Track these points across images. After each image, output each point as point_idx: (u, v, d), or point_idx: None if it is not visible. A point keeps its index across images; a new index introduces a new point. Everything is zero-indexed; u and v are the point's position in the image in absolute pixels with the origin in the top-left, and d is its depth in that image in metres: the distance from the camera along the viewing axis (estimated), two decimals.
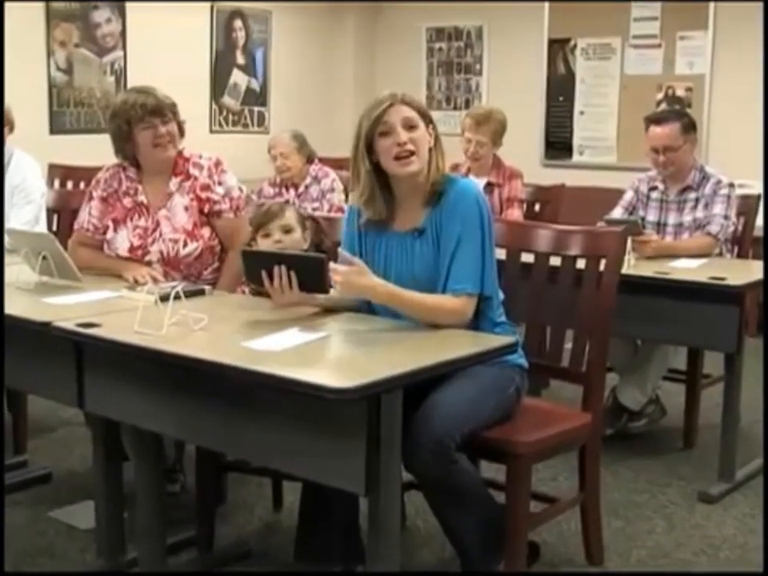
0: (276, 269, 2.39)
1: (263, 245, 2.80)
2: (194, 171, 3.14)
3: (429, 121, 2.48)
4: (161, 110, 3.05)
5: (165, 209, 3.11)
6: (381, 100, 2.43)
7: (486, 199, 2.50)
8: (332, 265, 2.33)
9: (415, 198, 2.49)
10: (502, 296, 2.56)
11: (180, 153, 3.16)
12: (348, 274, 2.32)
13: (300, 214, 2.92)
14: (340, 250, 2.45)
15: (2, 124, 3.62)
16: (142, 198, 3.14)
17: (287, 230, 2.82)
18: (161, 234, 3.10)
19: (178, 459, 3.27)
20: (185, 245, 3.09)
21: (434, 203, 2.46)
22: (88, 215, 3.19)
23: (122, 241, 3.12)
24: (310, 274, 2.36)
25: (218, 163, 3.17)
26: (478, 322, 2.46)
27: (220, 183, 3.14)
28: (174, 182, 3.12)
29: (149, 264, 3.08)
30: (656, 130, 3.88)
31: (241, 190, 3.23)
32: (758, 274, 3.33)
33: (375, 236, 2.55)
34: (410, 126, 2.42)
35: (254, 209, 3.40)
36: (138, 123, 3.03)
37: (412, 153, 2.41)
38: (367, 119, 2.42)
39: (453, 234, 2.42)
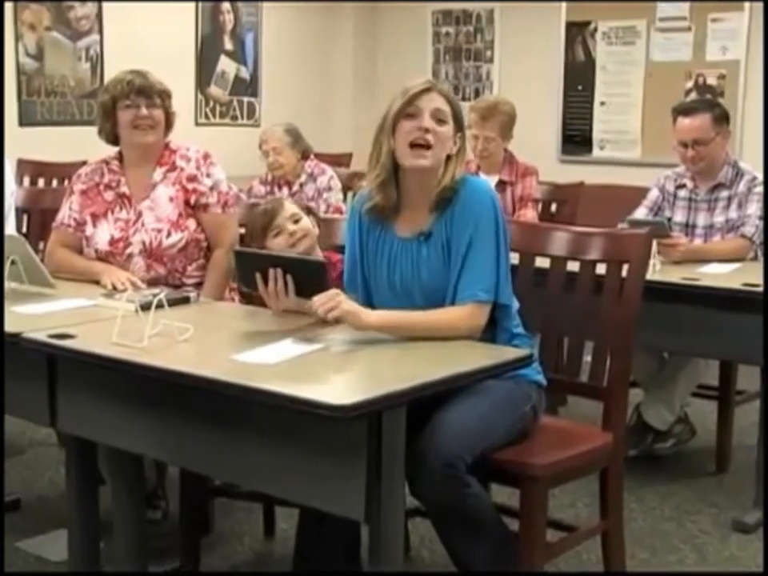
0: (271, 271, 2.41)
1: (279, 245, 2.83)
2: (180, 163, 3.21)
3: (459, 128, 2.51)
4: (147, 91, 3.14)
5: (148, 199, 3.18)
6: (419, 82, 2.49)
7: (499, 199, 2.52)
8: (315, 298, 2.32)
9: (421, 200, 2.51)
10: (517, 305, 2.58)
11: (167, 145, 3.24)
12: (334, 295, 2.32)
13: (299, 204, 2.98)
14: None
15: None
16: (124, 189, 3.20)
17: (296, 219, 2.87)
18: (143, 224, 3.15)
19: (160, 483, 3.28)
20: (168, 235, 3.14)
21: (443, 206, 2.49)
22: (69, 210, 3.25)
23: (102, 234, 3.17)
24: (309, 278, 2.37)
25: (206, 156, 3.26)
26: (494, 332, 2.49)
27: (208, 175, 3.21)
28: (158, 172, 3.20)
29: (130, 257, 3.12)
30: (684, 121, 3.89)
31: (230, 187, 3.29)
32: None
33: (378, 239, 2.58)
34: (438, 119, 2.46)
35: (244, 209, 3.43)
36: (121, 100, 3.13)
37: (429, 146, 2.44)
38: (400, 98, 2.47)
39: (464, 237, 2.44)
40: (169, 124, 3.22)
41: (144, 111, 3.12)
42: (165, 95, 3.19)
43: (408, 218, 2.54)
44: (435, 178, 2.48)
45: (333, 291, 2.33)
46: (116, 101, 3.13)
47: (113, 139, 3.23)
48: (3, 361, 2.47)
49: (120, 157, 3.26)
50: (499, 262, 2.45)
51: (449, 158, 2.48)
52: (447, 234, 2.48)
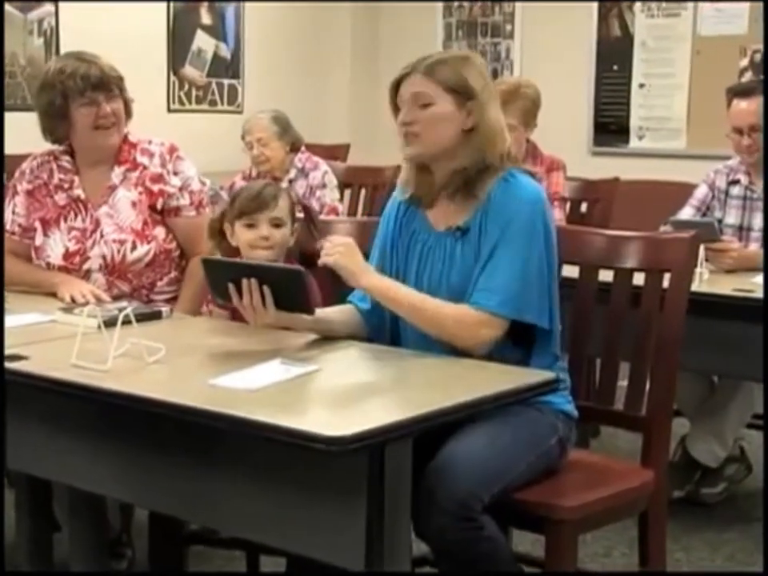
0: (244, 282, 2.43)
1: (244, 236, 2.82)
2: (142, 159, 3.20)
3: (467, 97, 2.56)
4: (106, 84, 3.12)
5: (106, 205, 3.18)
6: (407, 65, 2.58)
7: (549, 207, 2.56)
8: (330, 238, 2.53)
9: (452, 189, 2.57)
10: (559, 327, 2.61)
11: (126, 138, 3.23)
12: (340, 246, 2.48)
13: (292, 203, 2.95)
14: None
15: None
16: (78, 191, 3.20)
17: (278, 224, 2.85)
18: (102, 235, 3.15)
19: (125, 529, 3.29)
20: (133, 247, 3.14)
21: (483, 199, 2.53)
22: (12, 214, 3.25)
23: (56, 245, 3.18)
24: (289, 289, 2.40)
25: (172, 149, 3.25)
26: (529, 355, 2.52)
27: (176, 173, 3.21)
28: (117, 173, 3.19)
29: (88, 274, 3.13)
30: (741, 104, 3.91)
31: (203, 183, 3.28)
32: None
33: (413, 233, 2.65)
34: (422, 104, 2.53)
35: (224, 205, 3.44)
36: (76, 98, 3.10)
37: (415, 135, 2.53)
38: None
39: (491, 239, 2.50)
40: (128, 113, 3.21)
41: (106, 108, 3.11)
42: (120, 82, 3.18)
43: (443, 209, 2.61)
44: (454, 161, 2.55)
45: (344, 240, 2.50)
46: (69, 99, 3.10)
47: (63, 141, 3.22)
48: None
49: (71, 150, 3.25)
50: (527, 273, 2.48)
51: (469, 131, 2.54)
52: (481, 231, 2.53)
